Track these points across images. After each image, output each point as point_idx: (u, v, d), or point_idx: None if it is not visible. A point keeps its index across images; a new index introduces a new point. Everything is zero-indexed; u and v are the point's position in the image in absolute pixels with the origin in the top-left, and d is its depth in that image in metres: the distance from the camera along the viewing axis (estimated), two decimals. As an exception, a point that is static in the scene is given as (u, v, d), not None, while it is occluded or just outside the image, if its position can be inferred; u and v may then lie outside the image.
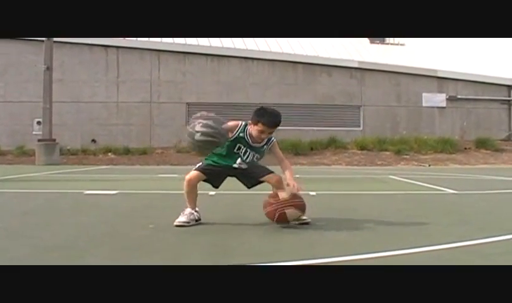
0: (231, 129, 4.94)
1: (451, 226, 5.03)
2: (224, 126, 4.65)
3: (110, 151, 26.22)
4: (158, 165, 22.61)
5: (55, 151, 22.87)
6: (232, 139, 4.96)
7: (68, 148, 25.67)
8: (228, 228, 4.81)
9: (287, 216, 4.74)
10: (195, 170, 5.10)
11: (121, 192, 8.67)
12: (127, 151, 26.10)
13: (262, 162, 5.18)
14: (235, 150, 5.02)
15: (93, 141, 27.46)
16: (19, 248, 3.88)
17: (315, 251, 3.78)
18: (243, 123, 5.03)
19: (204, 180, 5.10)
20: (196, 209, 5.05)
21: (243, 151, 5.02)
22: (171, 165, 22.23)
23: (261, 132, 4.93)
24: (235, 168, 5.03)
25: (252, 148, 5.02)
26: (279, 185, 4.96)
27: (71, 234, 4.52)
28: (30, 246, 3.93)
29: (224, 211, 5.36)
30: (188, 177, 5.05)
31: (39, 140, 23.27)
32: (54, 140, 23.30)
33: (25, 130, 27.21)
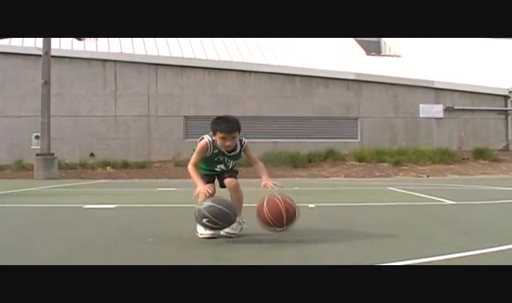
0: (203, 150, 5.03)
1: (449, 236, 5.04)
2: (227, 208, 4.65)
3: (108, 165, 26.21)
4: (156, 178, 22.60)
5: (53, 165, 22.86)
6: (209, 156, 5.06)
7: (66, 162, 25.64)
8: (228, 241, 4.81)
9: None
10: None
11: (119, 206, 8.67)
12: (125, 165, 26.09)
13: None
14: (215, 160, 5.10)
15: (92, 155, 27.44)
16: (17, 263, 3.88)
17: (314, 262, 3.79)
18: (209, 139, 5.04)
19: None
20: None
21: (222, 160, 5.12)
22: (170, 178, 22.22)
23: (223, 139, 4.95)
24: (218, 171, 5.16)
25: (230, 157, 5.11)
26: (233, 189, 5.10)
27: (70, 248, 4.52)
28: (29, 261, 3.93)
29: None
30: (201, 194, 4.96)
31: (37, 154, 23.26)
32: (52, 154, 23.29)
33: (23, 144, 27.18)
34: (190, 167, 5.02)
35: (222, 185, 5.19)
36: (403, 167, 25.63)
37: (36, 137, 25.81)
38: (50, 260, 3.95)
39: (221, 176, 5.17)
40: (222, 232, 4.93)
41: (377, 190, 13.42)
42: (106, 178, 22.74)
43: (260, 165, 5.19)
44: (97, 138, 27.93)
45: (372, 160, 26.69)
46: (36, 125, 24.66)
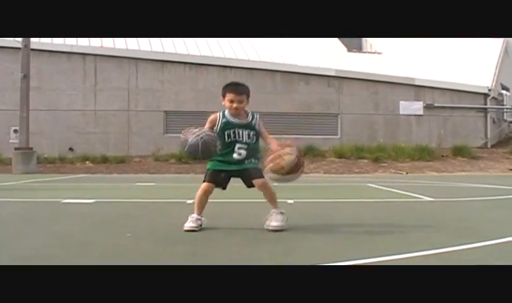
0: (212, 122, 5.22)
1: (426, 233, 5.07)
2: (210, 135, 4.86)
3: (87, 160, 26.04)
4: (136, 173, 22.48)
5: (32, 159, 22.69)
6: (219, 129, 5.17)
7: (45, 156, 25.44)
8: (207, 237, 4.81)
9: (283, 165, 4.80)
10: (205, 181, 5.25)
11: (98, 201, 8.64)
12: (105, 160, 25.94)
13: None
14: (227, 140, 5.17)
15: (71, 149, 27.24)
16: (-5, 257, 3.86)
17: (292, 259, 3.81)
18: (221, 110, 5.30)
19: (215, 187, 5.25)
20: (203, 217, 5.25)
21: (236, 134, 5.19)
22: (149, 173, 22.13)
23: (231, 101, 5.19)
24: (235, 162, 5.17)
25: (241, 126, 5.21)
26: (262, 188, 5.18)
27: (48, 243, 4.50)
28: (6, 255, 3.91)
29: (212, 219, 5.37)
30: (203, 185, 5.22)
31: (16, 148, 23.05)
32: (31, 148, 23.10)
33: (2, 138, 26.93)
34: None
35: (250, 185, 5.23)
36: (382, 164, 25.73)
37: (15, 131, 25.58)
38: (27, 254, 3.93)
39: (246, 177, 5.21)
40: (269, 227, 5.06)
41: (356, 187, 13.47)
42: (85, 172, 22.60)
43: (271, 139, 5.29)
44: (76, 132, 27.74)
45: (352, 156, 26.77)
46: (14, 119, 24.42)
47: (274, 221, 5.07)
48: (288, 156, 4.78)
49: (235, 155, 5.15)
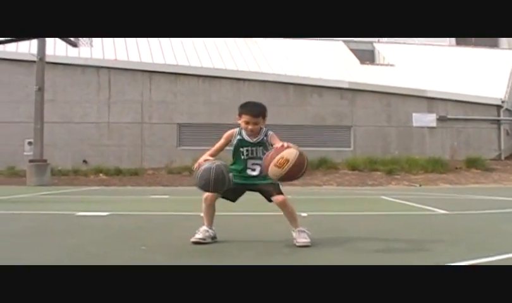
0: (228, 137, 5.26)
1: (440, 246, 5.04)
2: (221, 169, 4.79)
3: (101, 172, 26.15)
4: (149, 186, 22.54)
5: (46, 171, 22.79)
6: (234, 146, 5.21)
7: (59, 168, 25.56)
8: (221, 250, 4.80)
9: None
10: None
11: (112, 214, 8.64)
12: (118, 172, 26.04)
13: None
14: (241, 157, 5.19)
15: (85, 161, 27.37)
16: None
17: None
18: (237, 128, 5.26)
19: (222, 197, 5.19)
20: (213, 227, 5.21)
21: (249, 151, 5.17)
22: (162, 186, 22.17)
23: (246, 123, 5.13)
24: (249, 176, 5.17)
25: (254, 144, 5.18)
26: (282, 206, 5.12)
27: (62, 256, 4.50)
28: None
29: (224, 232, 5.38)
30: (204, 195, 5.15)
31: (30, 161, 23.18)
32: (45, 161, 23.22)
33: (16, 150, 27.09)
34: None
35: (271, 200, 5.19)
36: (396, 176, 25.66)
37: (29, 143, 25.74)
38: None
39: (265, 194, 5.18)
40: (297, 244, 4.97)
41: (369, 200, 13.42)
42: (99, 185, 22.67)
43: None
44: (89, 145, 27.88)
45: (365, 168, 26.73)
46: (29, 131, 24.59)
47: (300, 239, 5.02)
48: (291, 150, 4.70)
49: (249, 171, 5.15)
